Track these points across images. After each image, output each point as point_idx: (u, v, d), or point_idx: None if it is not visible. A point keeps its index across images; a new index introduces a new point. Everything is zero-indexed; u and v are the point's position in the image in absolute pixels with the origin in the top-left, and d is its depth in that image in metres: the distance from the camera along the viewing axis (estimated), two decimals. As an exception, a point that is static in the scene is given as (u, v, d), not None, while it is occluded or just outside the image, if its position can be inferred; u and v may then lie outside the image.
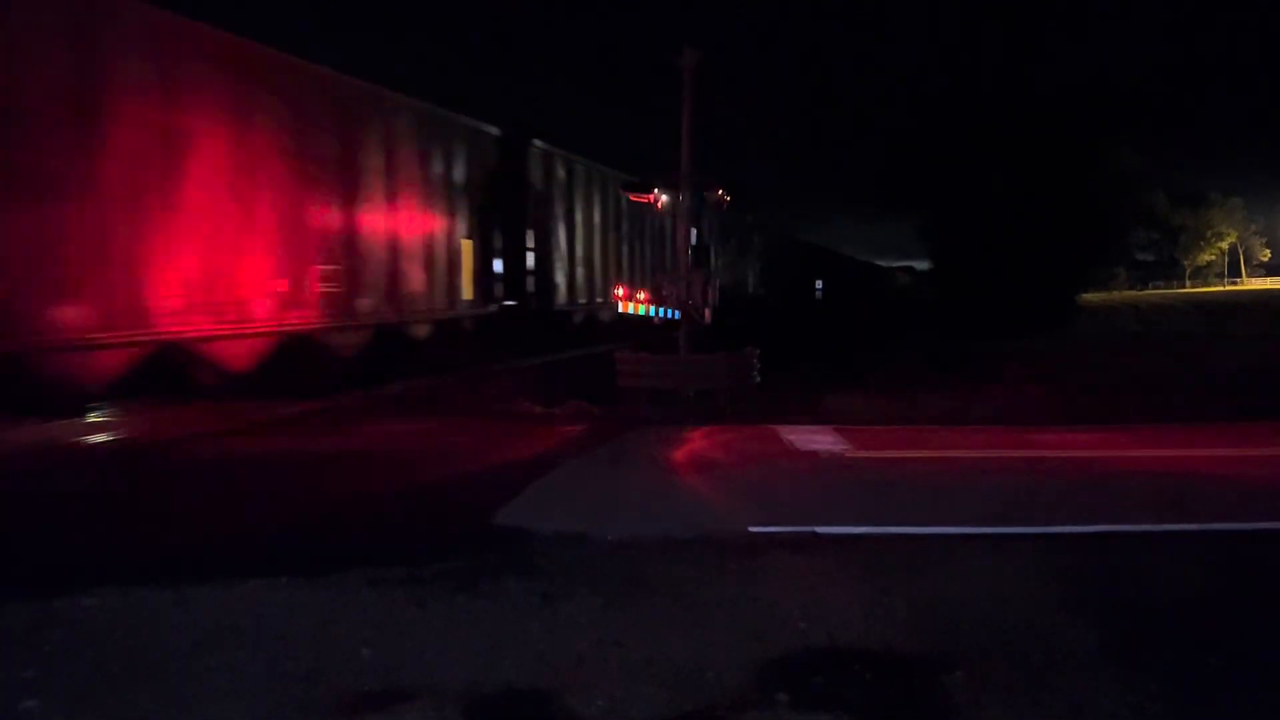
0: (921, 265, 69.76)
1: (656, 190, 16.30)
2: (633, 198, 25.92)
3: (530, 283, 23.24)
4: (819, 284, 58.23)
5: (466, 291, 20.41)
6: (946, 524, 7.30)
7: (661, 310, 15.72)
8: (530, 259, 23.31)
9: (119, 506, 8.20)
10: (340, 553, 6.51)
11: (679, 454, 10.45)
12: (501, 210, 21.85)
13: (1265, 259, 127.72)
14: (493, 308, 21.39)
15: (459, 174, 20.28)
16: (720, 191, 16.66)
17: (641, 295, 19.67)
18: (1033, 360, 22.50)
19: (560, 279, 24.87)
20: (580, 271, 26.34)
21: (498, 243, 21.80)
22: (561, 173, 25.14)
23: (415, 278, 18.41)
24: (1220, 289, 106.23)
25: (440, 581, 5.85)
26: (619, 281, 27.89)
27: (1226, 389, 16.10)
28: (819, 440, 10.98)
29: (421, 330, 18.75)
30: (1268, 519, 7.53)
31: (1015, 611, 5.36)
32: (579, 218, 26.37)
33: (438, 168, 19.48)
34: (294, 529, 7.42)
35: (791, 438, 11.18)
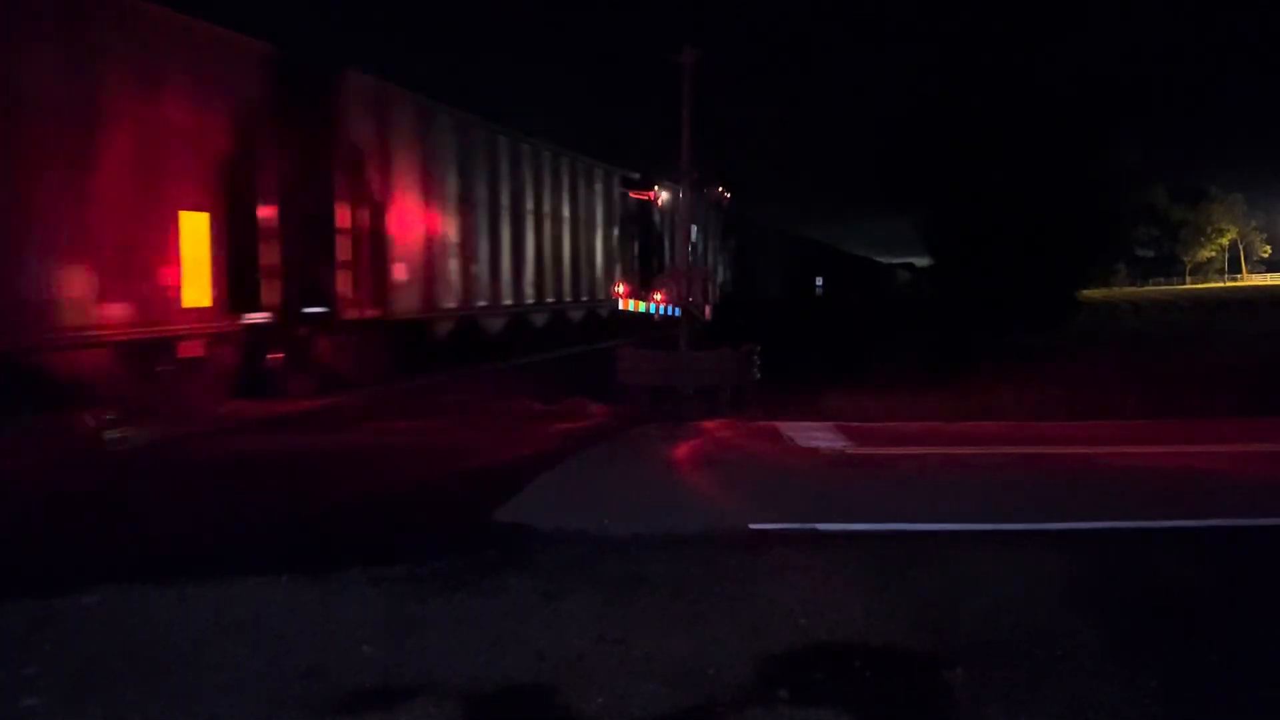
0: (922, 262, 69.78)
1: (656, 187, 16.29)
2: (633, 194, 25.82)
3: (346, 281, 15.88)
4: (819, 281, 58.20)
5: (196, 295, 12.73)
6: (947, 520, 7.30)
7: (663, 308, 15.70)
8: (345, 246, 15.87)
9: (118, 504, 8.20)
10: (340, 550, 6.52)
11: (679, 451, 10.45)
12: (285, 173, 14.60)
13: (1266, 255, 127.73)
14: (259, 318, 14.00)
15: (175, 108, 12.48)
16: (721, 188, 16.67)
17: (659, 295, 18.26)
18: (1033, 356, 22.48)
19: (408, 275, 17.42)
20: (454, 265, 19.18)
21: (272, 220, 14.37)
22: (415, 128, 17.79)
23: (62, 274, 10.94)
24: (1220, 285, 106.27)
25: (441, 579, 5.85)
26: (619, 279, 27.20)
27: (1228, 385, 16.08)
28: (819, 437, 10.98)
29: (84, 360, 11.25)
30: (1270, 515, 7.52)
31: (1016, 608, 5.36)
32: (455, 192, 19.10)
33: (114, 92, 11.61)
34: (294, 526, 7.42)
35: (792, 434, 11.17)
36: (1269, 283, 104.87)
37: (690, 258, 15.57)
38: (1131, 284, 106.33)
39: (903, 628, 5.08)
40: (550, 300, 23.59)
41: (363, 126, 16.41)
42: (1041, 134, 35.73)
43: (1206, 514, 7.48)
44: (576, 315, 25.23)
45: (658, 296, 16.99)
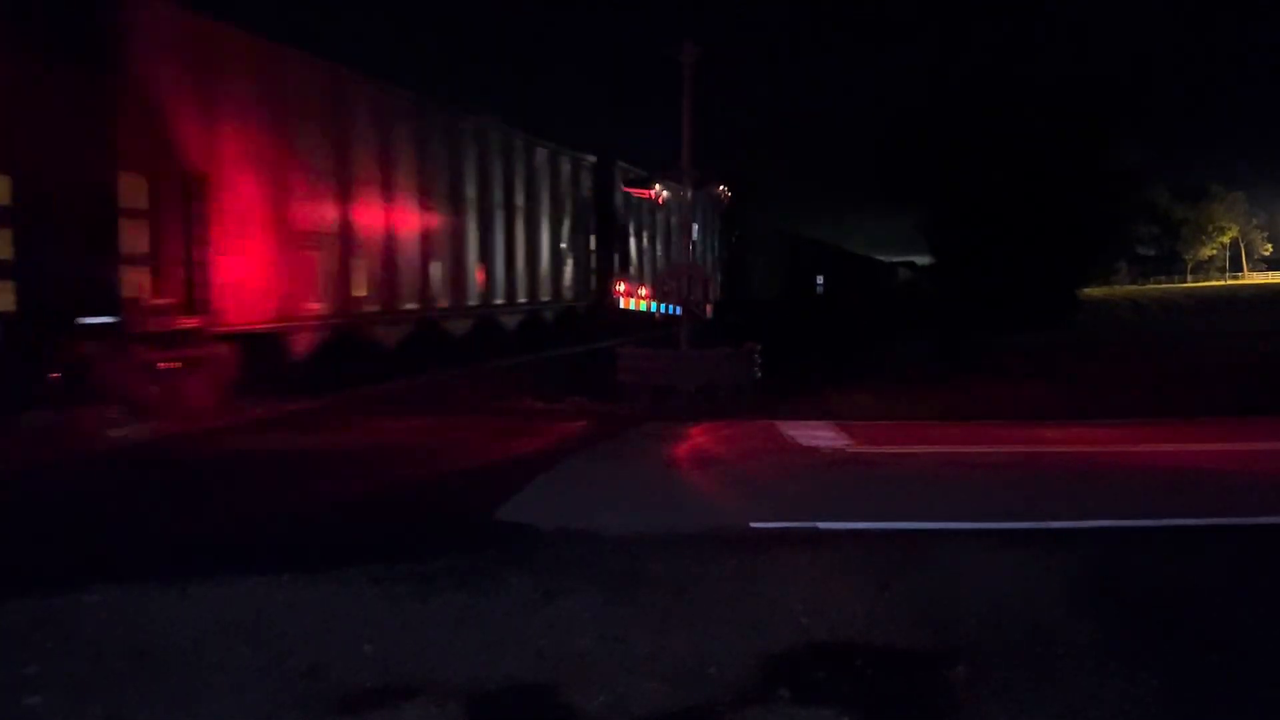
0: (922, 261, 69.77)
1: (658, 186, 16.26)
2: (634, 193, 25.67)
3: (140, 281, 11.77)
4: (820, 280, 58.16)
5: None
6: (948, 519, 7.30)
7: (663, 306, 15.69)
8: (138, 234, 11.73)
9: (119, 503, 8.20)
10: (341, 549, 6.52)
11: (680, 450, 10.45)
12: (26, 133, 10.71)
13: (1267, 253, 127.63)
14: None
15: None
16: (721, 187, 16.66)
17: (642, 292, 17.79)
18: (1034, 355, 22.49)
19: (247, 273, 13.35)
20: (324, 260, 15.10)
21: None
22: (261, 82, 13.67)
23: None
24: (1221, 283, 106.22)
25: (442, 578, 5.85)
26: (619, 278, 26.76)
27: (1229, 383, 16.09)
28: (820, 435, 10.98)
29: None
30: (1271, 514, 7.52)
31: (1018, 607, 5.36)
32: (329, 167, 15.09)
33: None
34: (295, 526, 7.42)
35: (793, 433, 11.17)
36: (1270, 280, 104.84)
37: (690, 256, 15.56)
38: (1132, 282, 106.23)
39: (904, 626, 5.08)
40: (474, 304, 19.43)
41: (172, 75, 12.14)
42: (1042, 134, 35.74)
43: (1208, 512, 7.47)
44: (511, 321, 21.25)
45: (641, 292, 16.85)
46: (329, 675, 4.49)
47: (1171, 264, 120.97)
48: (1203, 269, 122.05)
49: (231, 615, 5.24)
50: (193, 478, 9.33)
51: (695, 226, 16.95)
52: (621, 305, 20.56)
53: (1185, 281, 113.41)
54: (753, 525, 7.11)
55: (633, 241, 27.63)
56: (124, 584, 5.67)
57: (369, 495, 8.40)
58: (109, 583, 5.67)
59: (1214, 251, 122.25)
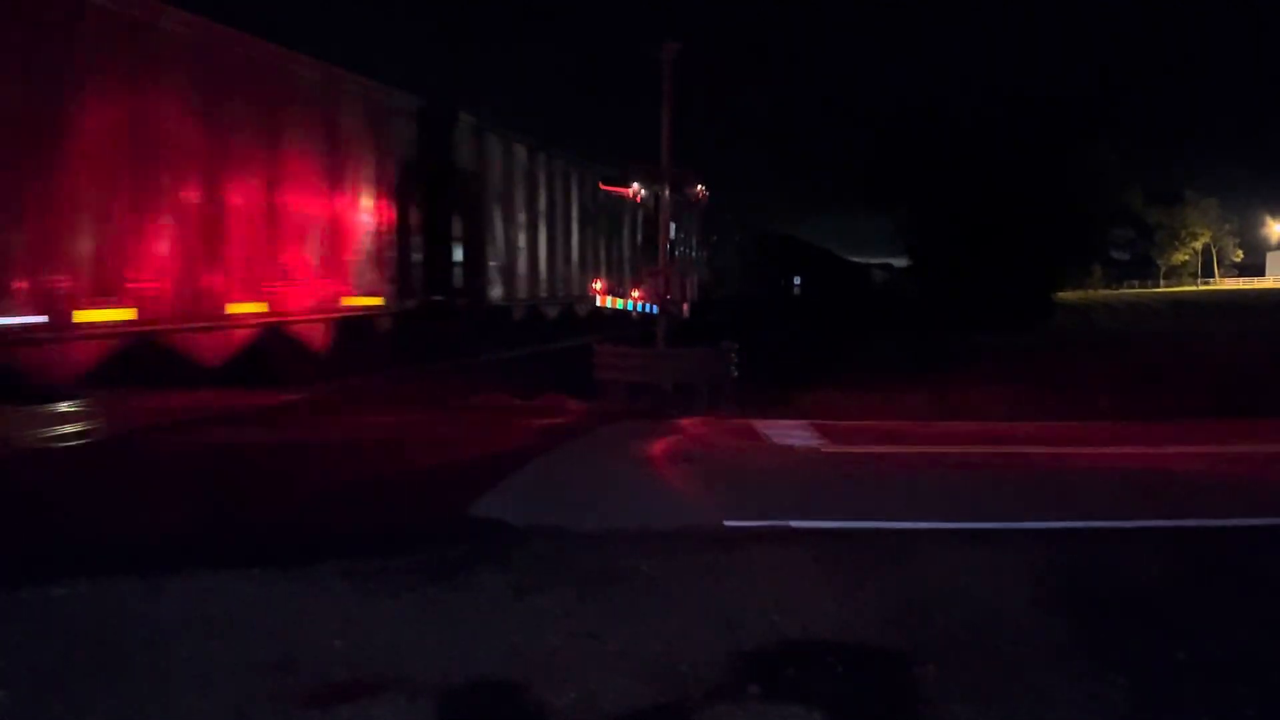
0: (899, 262, 70.23)
1: (635, 184, 16.25)
2: (612, 190, 25.50)
3: None
4: (797, 280, 58.37)
5: None
6: (920, 519, 7.33)
7: (641, 305, 15.70)
8: None
9: (90, 496, 8.12)
10: (312, 544, 6.47)
11: (655, 447, 10.45)
12: None
13: (1238, 259, 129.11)
14: None
15: None
16: (700, 186, 16.67)
17: (636, 292, 17.10)
18: (1009, 357, 22.67)
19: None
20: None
21: None
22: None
23: None
24: (1194, 288, 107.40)
25: (413, 573, 5.83)
26: (596, 275, 26.59)
27: (1200, 387, 16.26)
28: (795, 435, 11.01)
29: None
30: (1238, 515, 7.60)
31: (987, 606, 5.40)
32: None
33: None
34: (266, 520, 7.36)
35: (768, 432, 11.20)
36: (1240, 286, 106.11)
37: (666, 255, 15.56)
38: (1107, 286, 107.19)
39: (875, 625, 5.10)
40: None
41: None
42: (1018, 139, 36.04)
43: (1179, 514, 7.54)
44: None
45: (635, 294, 16.76)
46: (299, 670, 4.47)
47: (1145, 269, 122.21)
48: (1175, 274, 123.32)
49: (201, 609, 5.20)
50: (163, 471, 9.24)
51: (673, 226, 16.86)
52: (599, 303, 20.49)
53: (1158, 286, 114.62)
54: (726, 523, 7.11)
55: (501, 229, 21.93)
56: (92, 577, 5.61)
57: (341, 489, 8.35)
58: (77, 576, 5.61)
59: (1186, 257, 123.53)
